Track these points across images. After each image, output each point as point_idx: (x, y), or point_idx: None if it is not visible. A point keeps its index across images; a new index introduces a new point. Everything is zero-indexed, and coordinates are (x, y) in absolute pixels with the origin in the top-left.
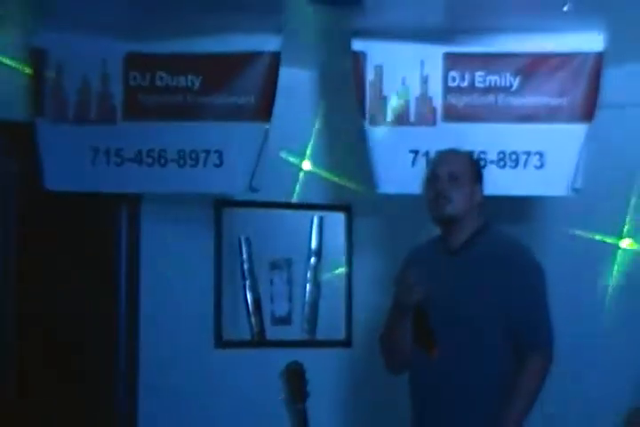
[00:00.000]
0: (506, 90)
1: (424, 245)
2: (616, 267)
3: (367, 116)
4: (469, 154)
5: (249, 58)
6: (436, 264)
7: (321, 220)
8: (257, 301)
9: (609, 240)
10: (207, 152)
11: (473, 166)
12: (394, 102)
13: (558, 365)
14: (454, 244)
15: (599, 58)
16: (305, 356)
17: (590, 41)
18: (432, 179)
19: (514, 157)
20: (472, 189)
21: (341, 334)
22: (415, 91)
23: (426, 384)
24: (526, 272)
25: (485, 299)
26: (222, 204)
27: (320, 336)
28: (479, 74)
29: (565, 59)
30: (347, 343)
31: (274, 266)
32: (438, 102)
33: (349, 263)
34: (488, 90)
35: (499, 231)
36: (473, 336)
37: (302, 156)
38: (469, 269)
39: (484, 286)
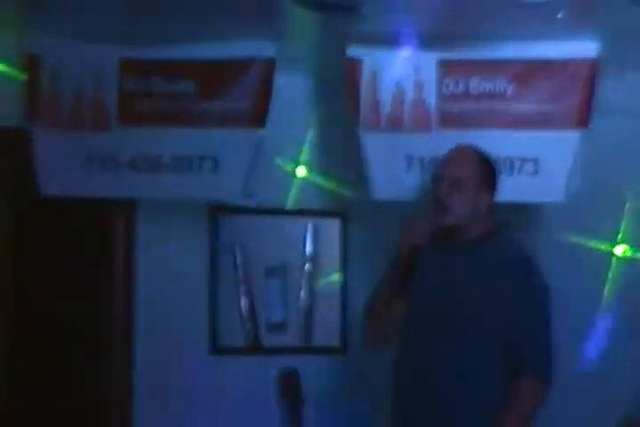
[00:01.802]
0: (500, 96)
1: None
2: (611, 273)
3: (362, 122)
4: (480, 153)
5: (244, 64)
6: (437, 262)
7: (316, 226)
8: (252, 307)
9: (604, 247)
10: (202, 158)
11: (482, 167)
12: (388, 108)
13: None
14: (458, 244)
15: (594, 64)
16: (300, 362)
17: (585, 47)
18: (436, 180)
19: (508, 162)
20: (477, 193)
21: (336, 341)
22: (410, 97)
23: (414, 384)
24: (529, 291)
25: (482, 307)
26: (217, 210)
27: (315, 343)
28: (474, 80)
29: (560, 65)
30: (341, 350)
31: (269, 272)
32: (433, 108)
33: (344, 270)
34: (482, 96)
35: (510, 239)
36: (467, 342)
37: (297, 162)
38: (471, 273)
39: (486, 294)
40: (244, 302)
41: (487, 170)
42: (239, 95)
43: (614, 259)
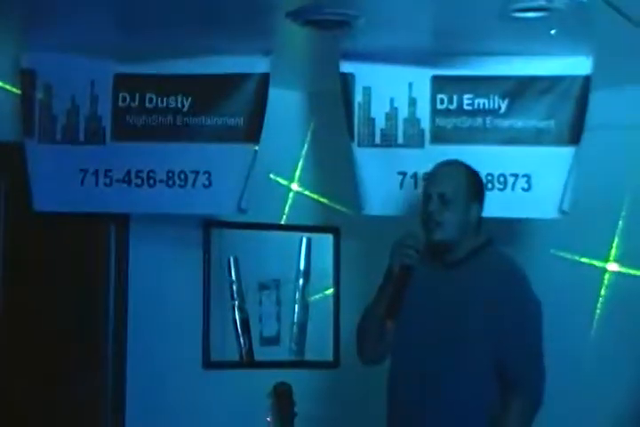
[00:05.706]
0: (494, 112)
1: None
2: (603, 290)
3: (355, 137)
4: (466, 167)
5: (238, 79)
6: (429, 279)
7: (309, 241)
8: (245, 321)
9: (596, 263)
10: (196, 173)
11: (469, 182)
12: (382, 124)
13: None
14: (449, 260)
15: (586, 81)
16: (293, 377)
17: (577, 64)
18: (424, 198)
19: (502, 179)
20: (467, 207)
21: (329, 355)
22: (403, 113)
23: (407, 405)
24: (523, 307)
25: (476, 324)
26: (211, 224)
27: (308, 357)
28: (467, 96)
29: (553, 82)
30: (334, 364)
31: (262, 287)
32: (426, 124)
33: (337, 284)
34: (476, 112)
35: (500, 254)
36: (459, 358)
37: (291, 177)
38: (463, 289)
39: (477, 311)
40: (237, 316)
41: (475, 183)
42: (233, 111)
43: (607, 275)
